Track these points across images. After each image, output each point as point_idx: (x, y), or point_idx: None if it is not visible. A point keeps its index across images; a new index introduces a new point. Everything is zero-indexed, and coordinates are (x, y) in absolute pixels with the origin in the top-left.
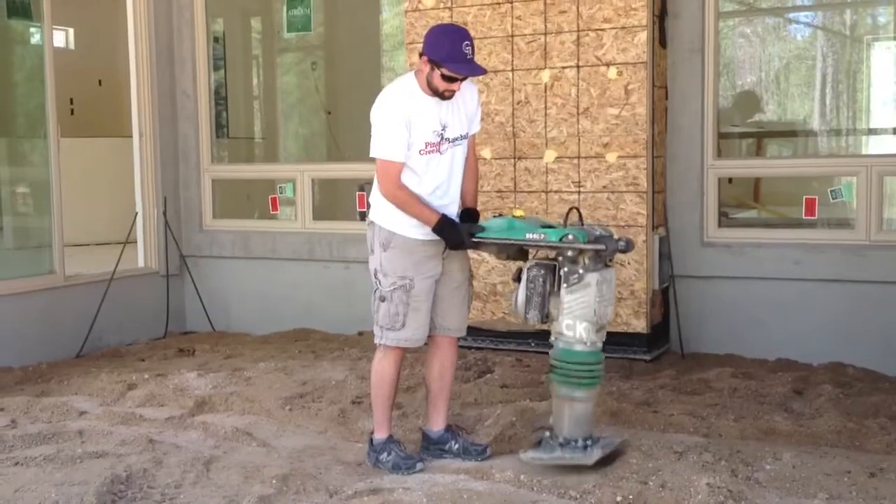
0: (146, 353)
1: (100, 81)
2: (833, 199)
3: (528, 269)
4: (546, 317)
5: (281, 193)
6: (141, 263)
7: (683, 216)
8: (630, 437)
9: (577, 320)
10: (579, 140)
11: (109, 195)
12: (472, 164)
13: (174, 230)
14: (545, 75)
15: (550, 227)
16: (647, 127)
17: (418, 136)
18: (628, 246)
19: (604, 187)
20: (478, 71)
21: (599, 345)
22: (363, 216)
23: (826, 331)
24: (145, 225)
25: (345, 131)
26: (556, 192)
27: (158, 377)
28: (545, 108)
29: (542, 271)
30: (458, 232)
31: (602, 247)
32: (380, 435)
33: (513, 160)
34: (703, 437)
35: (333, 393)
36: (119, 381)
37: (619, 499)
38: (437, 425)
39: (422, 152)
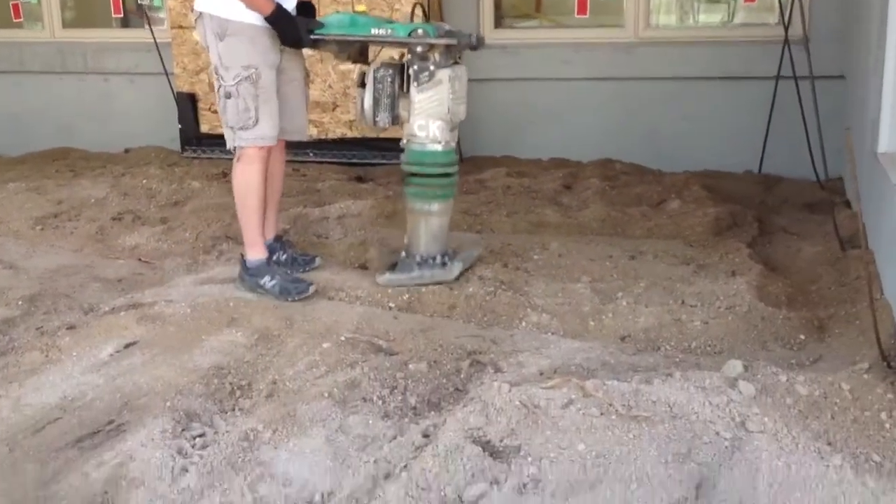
0: None
1: None
2: None
3: (375, 70)
4: (395, 119)
5: None
6: None
7: (460, 18)
8: (400, 237)
9: (430, 119)
10: None
11: None
12: None
13: None
14: None
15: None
16: None
17: None
18: (479, 42)
19: None
20: None
21: (453, 144)
22: (124, 23)
23: (596, 128)
24: None
25: None
26: None
27: None
28: None
29: (390, 71)
30: (294, 27)
31: (454, 41)
32: (256, 255)
33: None
34: (476, 234)
35: (92, 211)
36: None
37: (392, 304)
38: (265, 234)
39: None
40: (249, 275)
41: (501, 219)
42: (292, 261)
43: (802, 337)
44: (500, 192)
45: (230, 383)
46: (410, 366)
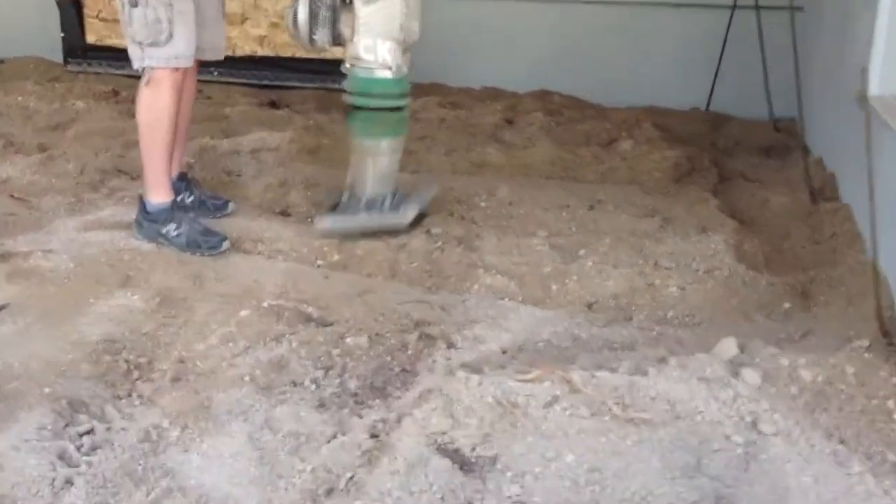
0: None
1: None
2: None
3: None
4: (337, 37)
5: None
6: None
7: None
8: (329, 177)
9: (378, 39)
10: None
11: None
12: None
13: None
14: None
15: None
16: None
17: None
18: None
19: None
20: None
21: (405, 70)
22: None
23: (532, 56)
24: None
25: None
26: None
27: None
28: None
29: None
30: None
31: None
32: (159, 198)
33: None
34: (412, 174)
35: None
36: None
37: (321, 262)
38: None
39: None
40: (149, 220)
41: (440, 157)
42: (200, 204)
43: (787, 305)
44: (435, 126)
45: (125, 361)
46: (348, 340)
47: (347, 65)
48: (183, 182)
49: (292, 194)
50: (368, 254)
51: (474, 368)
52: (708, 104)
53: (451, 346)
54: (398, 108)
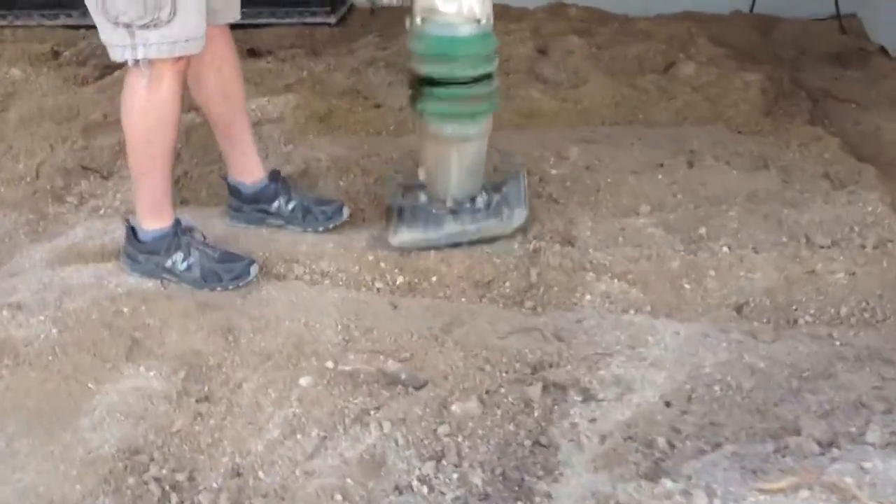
0: None
1: None
2: None
3: None
4: None
5: None
6: None
7: None
8: (359, 155)
9: None
10: None
11: None
12: None
13: None
14: None
15: None
16: None
17: None
18: None
19: None
20: None
21: (492, 20)
22: None
23: None
24: None
25: None
26: None
27: None
28: None
29: None
30: None
31: None
32: (158, 223)
33: None
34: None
35: None
36: None
37: (379, 285)
38: (250, 174)
39: None
40: (146, 252)
41: None
42: (304, 213)
43: None
44: None
45: (156, 480)
46: (453, 407)
47: (418, 20)
48: (276, 183)
49: (319, 185)
50: (441, 268)
51: (643, 440)
52: (752, 5)
53: (588, 397)
54: (487, 76)
